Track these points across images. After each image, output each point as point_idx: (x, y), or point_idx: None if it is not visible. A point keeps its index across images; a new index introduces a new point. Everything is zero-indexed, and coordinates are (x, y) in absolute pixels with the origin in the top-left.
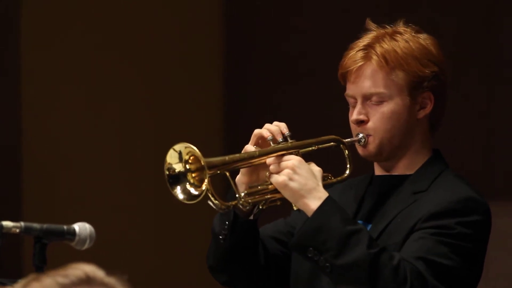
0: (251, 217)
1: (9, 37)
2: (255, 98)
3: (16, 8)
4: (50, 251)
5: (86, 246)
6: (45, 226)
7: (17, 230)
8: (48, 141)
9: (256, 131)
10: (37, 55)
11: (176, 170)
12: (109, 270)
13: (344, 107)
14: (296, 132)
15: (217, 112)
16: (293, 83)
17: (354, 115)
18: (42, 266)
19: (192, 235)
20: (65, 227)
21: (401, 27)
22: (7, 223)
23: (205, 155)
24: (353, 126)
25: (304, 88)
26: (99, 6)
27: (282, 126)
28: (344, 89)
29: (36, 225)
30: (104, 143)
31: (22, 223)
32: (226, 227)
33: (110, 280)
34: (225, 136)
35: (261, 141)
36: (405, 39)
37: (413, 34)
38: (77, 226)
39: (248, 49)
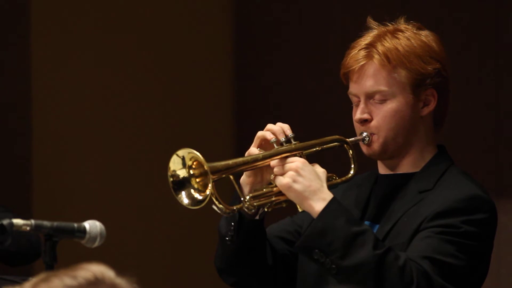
0: (257, 217)
1: (18, 28)
2: (266, 98)
3: None
4: (61, 249)
5: (96, 244)
6: (55, 224)
7: (28, 228)
8: (58, 139)
9: (259, 133)
10: (46, 51)
11: (180, 176)
12: (118, 269)
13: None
14: (308, 132)
15: (228, 111)
16: (304, 84)
17: (358, 114)
18: (52, 264)
19: (202, 234)
20: (75, 225)
21: (402, 25)
22: (17, 221)
23: (215, 152)
24: (356, 125)
25: (315, 88)
26: (108, 6)
27: (285, 128)
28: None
29: (46, 223)
30: (115, 141)
31: (33, 221)
32: (232, 228)
33: (120, 281)
34: (235, 133)
35: (264, 143)
36: (407, 36)
37: (414, 31)
38: (87, 224)
39: (258, 48)
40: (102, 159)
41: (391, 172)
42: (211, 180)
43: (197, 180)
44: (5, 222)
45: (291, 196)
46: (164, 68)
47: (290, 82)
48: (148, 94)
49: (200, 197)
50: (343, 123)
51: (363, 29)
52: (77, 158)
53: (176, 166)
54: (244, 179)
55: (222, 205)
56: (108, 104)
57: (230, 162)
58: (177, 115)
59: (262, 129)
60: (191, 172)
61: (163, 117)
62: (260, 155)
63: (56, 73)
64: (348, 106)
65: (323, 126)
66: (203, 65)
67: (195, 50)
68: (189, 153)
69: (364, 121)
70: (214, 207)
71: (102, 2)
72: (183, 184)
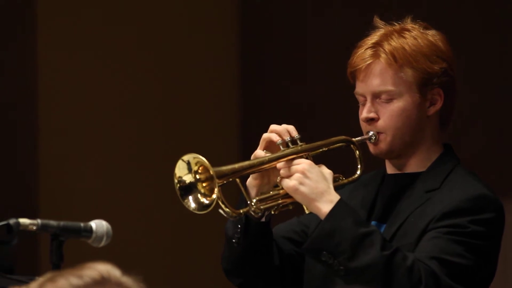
0: (263, 219)
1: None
2: (271, 99)
3: None
4: (68, 248)
5: (103, 243)
6: (62, 223)
7: (34, 228)
8: (65, 138)
9: (265, 135)
10: (52, 51)
11: (186, 182)
12: (124, 268)
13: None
14: (316, 130)
15: (233, 112)
16: (309, 83)
17: (364, 113)
18: (59, 264)
19: (208, 235)
20: (82, 224)
21: (409, 24)
22: (24, 221)
23: (220, 154)
24: (363, 124)
25: (322, 87)
26: (116, 4)
27: (291, 129)
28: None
29: (53, 222)
30: (122, 141)
31: (39, 221)
32: (239, 230)
33: (126, 280)
34: (240, 135)
35: (270, 145)
36: (413, 36)
37: (421, 30)
38: (94, 224)
39: (263, 49)
40: (107, 159)
41: (398, 172)
42: (217, 185)
43: (204, 184)
44: (12, 221)
45: (298, 198)
46: (169, 69)
47: (295, 83)
48: (153, 95)
49: (206, 202)
50: (348, 123)
51: (370, 28)
52: (83, 158)
53: (181, 171)
54: (250, 181)
55: (228, 209)
56: (113, 105)
57: (236, 166)
58: (182, 116)
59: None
60: (197, 177)
61: (168, 118)
62: (266, 158)
63: (61, 73)
64: (352, 107)
65: (328, 127)
66: (208, 66)
67: (200, 51)
68: (194, 158)
69: (371, 120)
70: (221, 211)
71: (110, 4)
72: (189, 189)
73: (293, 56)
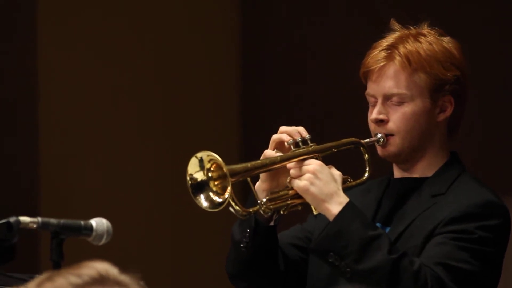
0: (272, 223)
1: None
2: (271, 99)
3: None
4: (68, 246)
5: (103, 241)
6: (62, 221)
7: (34, 226)
8: (66, 137)
9: (275, 136)
10: (53, 50)
11: (199, 179)
12: (124, 267)
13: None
14: (316, 130)
15: (234, 113)
16: (310, 82)
17: (374, 114)
18: (59, 262)
19: (208, 234)
20: (82, 222)
21: (425, 29)
22: (24, 219)
23: (223, 156)
24: (372, 126)
25: (322, 87)
26: (115, 7)
27: (301, 130)
28: (365, 87)
29: (53, 221)
30: (122, 139)
31: (39, 219)
32: (247, 234)
33: (124, 278)
34: (242, 135)
35: (280, 146)
36: (429, 41)
37: (436, 36)
38: (94, 222)
39: (263, 49)
40: (109, 157)
41: (405, 176)
42: (230, 183)
43: (216, 182)
44: (12, 219)
45: (308, 198)
46: (169, 69)
47: (295, 83)
48: (153, 95)
49: (219, 200)
50: (348, 124)
51: (386, 30)
52: (83, 157)
53: (194, 168)
54: (259, 185)
55: (238, 207)
56: (113, 105)
57: (249, 164)
58: (182, 116)
59: (269, 133)
60: (210, 174)
61: (168, 118)
62: (278, 158)
63: (61, 73)
64: (352, 108)
65: (328, 127)
66: (208, 66)
67: (200, 51)
68: (208, 155)
69: (380, 122)
70: (231, 209)
71: (111, 3)
72: (201, 187)
73: (293, 56)
